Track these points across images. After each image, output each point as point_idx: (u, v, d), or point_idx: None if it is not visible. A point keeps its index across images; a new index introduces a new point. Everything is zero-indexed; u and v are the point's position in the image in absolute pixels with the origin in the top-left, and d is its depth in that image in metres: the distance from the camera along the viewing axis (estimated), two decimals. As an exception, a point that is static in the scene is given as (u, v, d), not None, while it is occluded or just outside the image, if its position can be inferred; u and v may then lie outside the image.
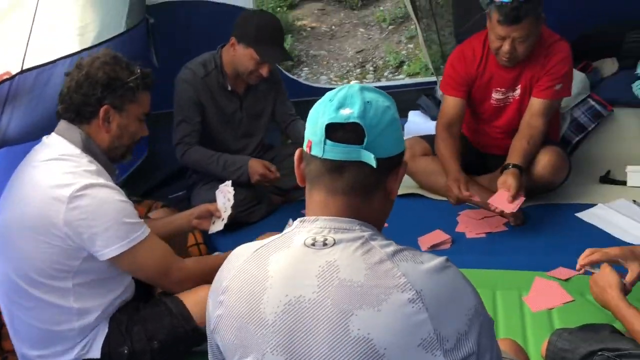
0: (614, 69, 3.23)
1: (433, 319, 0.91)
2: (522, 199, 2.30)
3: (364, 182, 1.02)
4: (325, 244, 0.98)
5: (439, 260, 0.98)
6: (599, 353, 1.45)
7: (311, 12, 6.94)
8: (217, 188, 2.69)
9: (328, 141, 1.00)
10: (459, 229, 2.52)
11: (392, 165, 1.05)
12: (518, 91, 2.58)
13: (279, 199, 2.95)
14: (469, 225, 2.52)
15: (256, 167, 2.65)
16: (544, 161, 2.51)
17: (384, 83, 4.76)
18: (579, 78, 3.02)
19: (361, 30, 6.24)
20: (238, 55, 2.63)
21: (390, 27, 6.07)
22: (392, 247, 0.98)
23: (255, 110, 2.90)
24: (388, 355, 0.90)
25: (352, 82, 1.07)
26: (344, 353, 0.91)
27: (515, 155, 2.42)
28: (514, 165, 2.37)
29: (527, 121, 2.52)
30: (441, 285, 0.95)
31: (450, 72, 2.68)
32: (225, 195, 2.21)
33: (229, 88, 2.74)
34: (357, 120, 0.98)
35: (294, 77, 4.47)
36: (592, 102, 3.00)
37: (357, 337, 0.91)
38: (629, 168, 2.72)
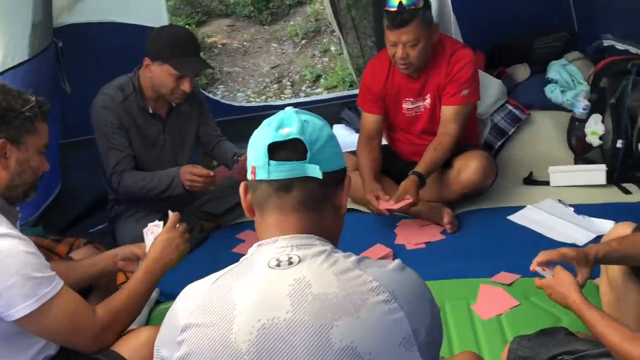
0: (527, 74, 3.39)
1: (408, 316, 0.95)
2: (408, 200, 2.38)
3: (312, 197, 1.04)
4: (290, 263, 0.98)
5: (396, 262, 1.03)
6: (559, 357, 1.47)
7: (220, 28, 6.82)
8: (143, 220, 2.54)
9: (272, 162, 1.02)
10: (398, 241, 2.51)
11: (337, 179, 1.08)
12: (428, 100, 2.65)
13: (210, 224, 2.82)
14: (408, 237, 2.52)
15: (184, 172, 2.51)
16: (474, 166, 2.57)
17: (303, 99, 4.72)
18: (496, 84, 3.14)
19: (274, 45, 6.20)
20: (155, 75, 2.49)
21: (303, 41, 6.07)
22: (354, 257, 1.01)
23: (180, 132, 2.76)
24: None
25: (287, 109, 1.09)
26: None
27: (420, 164, 2.52)
28: (414, 173, 2.47)
29: (440, 129, 2.61)
30: (408, 284, 1.00)
31: (364, 89, 2.76)
32: (154, 234, 2.04)
33: (150, 111, 2.60)
34: (297, 136, 1.01)
35: (211, 96, 4.34)
36: (510, 107, 3.11)
37: (340, 347, 0.91)
38: (551, 169, 2.84)
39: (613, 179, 2.77)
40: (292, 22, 6.51)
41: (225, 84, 5.56)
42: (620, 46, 2.93)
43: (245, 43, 6.35)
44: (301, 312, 0.93)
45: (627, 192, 2.72)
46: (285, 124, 1.03)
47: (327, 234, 1.06)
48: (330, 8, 3.30)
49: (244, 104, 4.67)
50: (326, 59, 5.68)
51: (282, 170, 1.02)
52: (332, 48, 5.79)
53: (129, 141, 2.55)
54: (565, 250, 1.60)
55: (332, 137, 1.08)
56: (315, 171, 1.01)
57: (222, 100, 4.41)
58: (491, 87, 3.10)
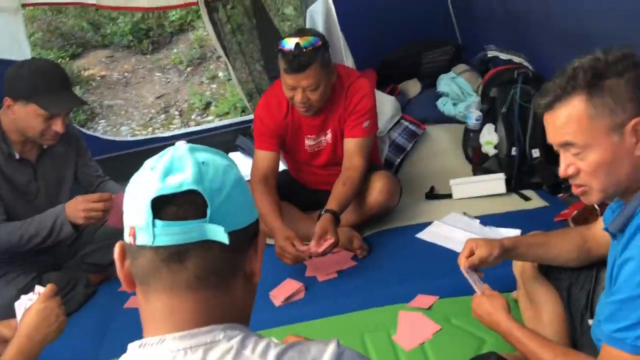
0: (418, 90, 3.40)
1: None
2: (330, 240, 2.19)
3: (215, 268, 0.79)
4: None
5: (331, 349, 0.77)
6: (494, 386, 1.38)
7: (98, 60, 6.44)
8: (14, 281, 2.21)
9: (158, 222, 0.76)
10: (308, 273, 2.35)
11: (248, 238, 0.83)
12: (329, 135, 2.54)
13: (97, 277, 2.52)
14: (318, 267, 2.38)
15: (73, 204, 2.18)
16: (379, 187, 2.49)
17: (193, 128, 4.49)
18: (390, 102, 3.11)
19: (158, 74, 5.92)
20: (20, 117, 2.17)
21: (189, 69, 5.86)
22: (272, 351, 0.76)
23: (54, 176, 2.45)
24: None
25: (178, 145, 0.83)
26: None
27: (331, 200, 2.34)
28: (327, 211, 2.29)
29: (345, 163, 2.48)
30: None
31: (258, 127, 2.55)
32: (27, 307, 1.73)
33: (17, 157, 2.27)
34: (193, 187, 0.76)
35: (91, 133, 4.00)
36: (406, 123, 3.09)
37: None
38: (452, 182, 2.82)
39: (512, 186, 2.81)
40: (175, 50, 6.28)
41: (107, 119, 5.20)
42: (503, 56, 3.00)
43: (126, 74, 6.02)
44: None
45: (526, 198, 2.75)
46: (175, 169, 0.78)
47: (236, 313, 0.82)
48: (214, 34, 3.12)
49: (128, 138, 4.36)
50: (215, 86, 5.50)
51: (172, 234, 0.76)
52: (220, 74, 5.63)
53: None
54: (478, 250, 1.62)
55: (240, 181, 0.83)
56: (218, 234, 0.77)
57: (104, 136, 4.08)
58: (385, 105, 3.06)
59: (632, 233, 1.22)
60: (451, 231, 2.50)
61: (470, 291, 1.60)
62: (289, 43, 2.23)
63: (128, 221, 0.80)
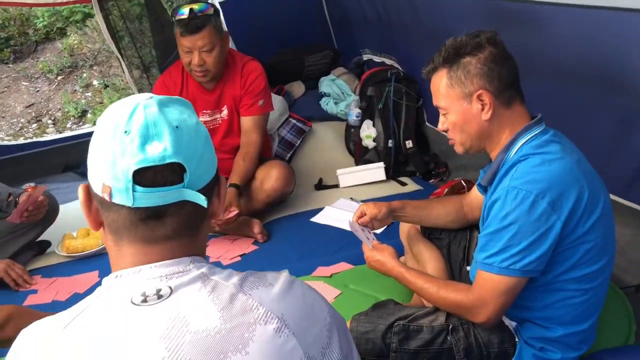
0: (302, 90, 3.63)
1: (301, 342, 0.81)
2: (234, 211, 2.40)
3: (189, 221, 0.85)
4: (160, 296, 0.79)
5: (284, 277, 0.87)
6: (396, 324, 1.60)
7: (-48, 70, 5.96)
8: None
9: (138, 187, 0.79)
10: (212, 259, 2.46)
11: (212, 187, 0.88)
12: (225, 112, 2.69)
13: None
14: (221, 254, 2.49)
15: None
16: (275, 175, 2.66)
17: (70, 133, 4.36)
18: (278, 101, 3.30)
19: (25, 83, 5.63)
20: None
21: (60, 77, 5.63)
22: (235, 277, 0.84)
23: None
24: None
25: (143, 99, 0.82)
26: None
27: (233, 175, 2.55)
28: (230, 185, 2.50)
29: (243, 139, 2.67)
30: (297, 304, 0.85)
31: None
32: None
33: None
34: (174, 160, 0.80)
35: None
36: (294, 121, 3.30)
37: None
38: (339, 171, 3.08)
39: (390, 174, 3.12)
40: (42, 59, 5.99)
41: (-30, 129, 4.86)
42: (377, 59, 3.33)
43: (-13, 83, 5.64)
44: (179, 355, 0.75)
45: (403, 184, 3.08)
46: (152, 135, 0.80)
47: (199, 251, 0.88)
48: (106, 29, 3.12)
49: (10, 142, 4.14)
50: (89, 94, 5.35)
51: (152, 198, 0.80)
52: (95, 82, 5.48)
53: None
54: (369, 211, 1.87)
55: (208, 139, 0.87)
56: (196, 197, 0.82)
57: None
58: (274, 104, 3.25)
59: (497, 181, 1.52)
60: (341, 214, 2.74)
61: (362, 261, 1.83)
62: (184, 9, 2.43)
63: (100, 178, 0.81)
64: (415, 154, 3.18)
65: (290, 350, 0.79)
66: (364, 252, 1.81)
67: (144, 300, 0.79)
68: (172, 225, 0.83)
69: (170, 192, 0.80)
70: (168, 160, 0.79)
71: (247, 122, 2.66)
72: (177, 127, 0.81)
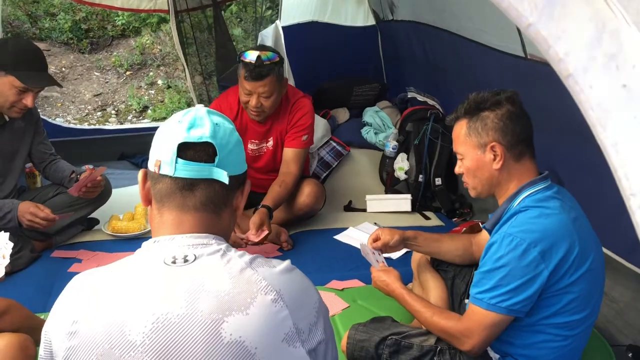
0: (347, 117, 3.86)
1: (292, 314, 0.99)
2: (265, 232, 2.57)
3: (214, 198, 1.07)
4: (186, 260, 1.01)
5: (285, 263, 1.08)
6: (389, 337, 1.77)
7: (34, 52, 6.45)
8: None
9: (180, 160, 1.03)
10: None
11: (239, 183, 1.12)
12: (271, 143, 2.92)
13: (41, 244, 2.71)
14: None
15: (26, 207, 2.42)
16: (307, 191, 2.88)
17: (130, 125, 4.71)
18: (322, 123, 3.54)
19: (96, 74, 6.06)
20: None
21: (128, 72, 6.04)
22: (247, 256, 1.04)
23: (11, 148, 2.65)
24: (259, 354, 0.97)
25: (198, 107, 1.11)
26: (219, 358, 0.95)
27: (267, 198, 2.74)
28: (263, 206, 2.69)
29: (282, 169, 2.88)
30: (294, 284, 1.04)
31: None
32: None
33: (-17, 123, 2.47)
34: (209, 140, 1.04)
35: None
36: (334, 144, 3.53)
37: (230, 341, 0.95)
38: (368, 197, 3.27)
39: (416, 207, 3.30)
40: (115, 53, 6.43)
41: (42, 109, 5.28)
42: (420, 98, 3.52)
43: (63, 69, 6.10)
44: (195, 307, 0.95)
45: (427, 217, 3.25)
46: (197, 124, 1.05)
47: (222, 233, 1.09)
48: (178, 40, 3.44)
49: (76, 126, 4.50)
50: (153, 92, 5.73)
51: (189, 170, 1.04)
52: (160, 82, 5.86)
53: None
54: (383, 236, 2.05)
55: (240, 143, 1.12)
56: (222, 175, 1.05)
57: (56, 121, 4.22)
58: (318, 126, 3.48)
59: (499, 226, 1.68)
60: (363, 236, 2.92)
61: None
62: (251, 55, 2.62)
63: (155, 155, 1.07)
64: (443, 191, 3.34)
65: (283, 319, 0.98)
66: (372, 272, 2.00)
67: (174, 262, 1.01)
68: (201, 198, 1.06)
69: (203, 168, 1.04)
70: (204, 140, 1.04)
71: (289, 153, 2.87)
72: (216, 124, 1.07)
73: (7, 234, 1.89)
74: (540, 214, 1.59)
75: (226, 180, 1.05)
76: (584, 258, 1.59)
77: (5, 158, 2.63)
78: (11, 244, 1.90)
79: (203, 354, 0.95)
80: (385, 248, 2.07)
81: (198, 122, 1.06)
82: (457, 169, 1.77)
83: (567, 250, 1.55)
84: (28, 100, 2.43)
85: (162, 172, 1.05)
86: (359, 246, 2.81)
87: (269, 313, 0.98)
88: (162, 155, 1.06)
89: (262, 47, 2.74)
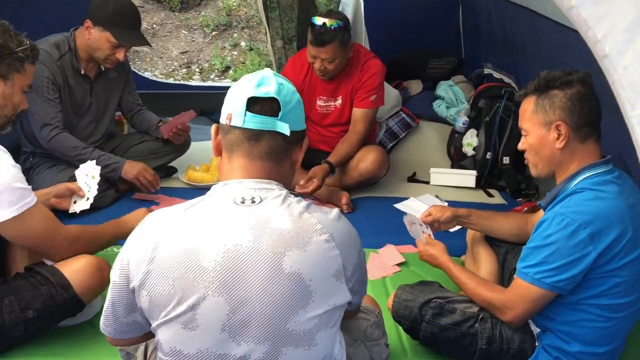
0: (420, 89, 3.88)
1: (342, 254, 1.15)
2: (315, 184, 2.68)
3: (277, 149, 1.20)
4: (253, 201, 1.15)
5: (335, 211, 1.23)
6: (433, 300, 1.86)
7: (129, 7, 6.79)
8: (64, 171, 2.63)
9: (248, 113, 1.17)
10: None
11: (298, 138, 1.25)
12: (339, 101, 3.01)
13: (125, 186, 2.95)
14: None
15: (135, 167, 2.70)
16: (371, 158, 2.97)
17: (212, 84, 4.93)
18: (393, 94, 3.58)
19: (184, 32, 6.32)
20: (94, 39, 2.62)
21: (214, 32, 6.26)
22: (304, 202, 1.19)
23: (105, 96, 2.89)
24: (313, 285, 1.13)
25: (265, 70, 1.25)
26: (279, 286, 1.11)
27: (332, 155, 2.88)
28: (325, 161, 2.82)
29: (350, 127, 2.97)
30: (344, 229, 1.20)
31: None
32: (88, 174, 2.21)
33: (82, 72, 2.71)
34: (274, 96, 1.17)
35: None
36: (403, 115, 3.57)
37: (289, 273, 1.10)
38: (432, 170, 3.31)
39: (480, 184, 3.31)
40: (203, 13, 6.66)
41: (133, 62, 5.59)
42: (496, 75, 3.48)
43: (154, 26, 6.40)
44: (260, 241, 1.10)
45: (490, 195, 3.26)
46: (264, 83, 1.18)
47: (284, 181, 1.23)
48: (262, 2, 3.55)
49: (163, 80, 4.77)
50: (236, 53, 5.92)
51: (256, 122, 1.17)
52: (243, 43, 6.04)
53: (59, 98, 2.64)
54: (434, 212, 2.14)
55: (300, 102, 1.24)
56: (284, 128, 1.17)
57: (144, 74, 4.49)
58: (390, 96, 3.53)
59: (553, 205, 1.71)
60: (423, 207, 2.98)
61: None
62: (318, 21, 2.73)
63: (227, 109, 1.21)
64: (510, 170, 3.32)
65: (334, 257, 1.14)
66: (417, 246, 2.09)
67: (242, 202, 1.15)
68: (265, 148, 1.19)
69: (268, 120, 1.17)
70: (270, 95, 1.17)
71: (357, 113, 2.96)
72: (281, 83, 1.21)
73: (94, 161, 2.13)
74: (595, 197, 1.61)
75: (287, 133, 1.18)
76: (636, 244, 1.60)
77: (101, 104, 2.88)
78: (98, 168, 2.15)
79: (266, 282, 1.10)
80: (438, 224, 2.14)
81: (265, 81, 1.19)
82: (520, 145, 1.80)
83: (618, 235, 1.57)
84: (120, 55, 2.65)
85: (232, 123, 1.19)
86: (417, 215, 2.89)
87: (323, 250, 1.12)
88: (234, 108, 1.19)
89: (330, 13, 2.81)
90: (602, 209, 1.59)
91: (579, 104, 1.65)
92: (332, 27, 2.70)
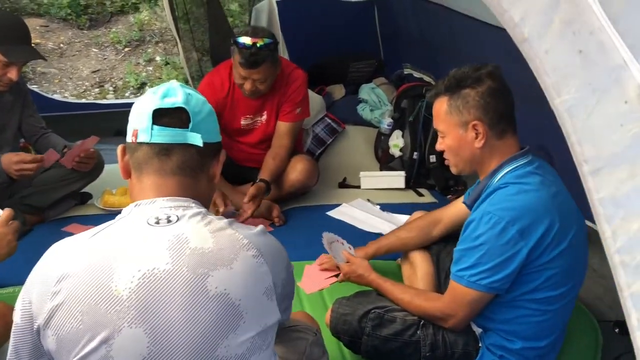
0: (342, 93, 3.83)
1: (271, 270, 1.07)
2: (247, 214, 2.61)
3: (191, 163, 1.12)
4: (169, 221, 1.05)
5: (259, 227, 1.14)
6: (372, 311, 1.79)
7: (33, 28, 6.39)
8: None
9: (155, 126, 1.08)
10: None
11: (214, 151, 1.17)
12: (265, 116, 2.90)
13: (34, 218, 2.73)
14: (239, 228, 2.73)
15: (9, 158, 2.44)
16: (300, 167, 2.88)
17: (127, 100, 4.70)
18: (317, 100, 3.52)
19: (94, 50, 6.02)
20: None
21: (127, 49, 6.00)
22: (225, 220, 1.10)
23: (1, 122, 2.65)
24: (243, 305, 1.03)
25: (172, 82, 1.16)
26: (204, 311, 1.00)
27: (263, 172, 2.76)
28: (261, 180, 2.71)
29: (276, 142, 2.86)
30: (271, 244, 1.13)
31: None
32: None
33: (-31, 97, 2.47)
34: (182, 106, 1.09)
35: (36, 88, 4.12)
36: (329, 120, 3.51)
37: (215, 294, 1.00)
38: (362, 174, 3.27)
39: (410, 184, 3.29)
40: (113, 29, 6.39)
41: (39, 84, 5.27)
42: (416, 74, 3.49)
43: (61, 45, 6.07)
44: (179, 263, 1.00)
45: (420, 194, 3.25)
46: (170, 94, 1.11)
47: (201, 198, 1.14)
48: (171, 16, 3.40)
49: (70, 100, 4.50)
50: (151, 68, 5.69)
51: (164, 135, 1.09)
52: (158, 58, 5.82)
53: None
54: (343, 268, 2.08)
55: (213, 113, 1.17)
56: (196, 139, 1.09)
57: (48, 95, 4.21)
58: (313, 102, 3.45)
59: (478, 203, 1.68)
60: (356, 212, 2.94)
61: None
62: (246, 41, 2.53)
63: (132, 126, 1.12)
64: (438, 169, 3.32)
65: (264, 273, 1.06)
66: (342, 268, 2.03)
67: (157, 222, 1.05)
68: (177, 162, 1.10)
69: (178, 132, 1.09)
70: (178, 105, 1.09)
71: (282, 126, 2.85)
72: (189, 93, 1.13)
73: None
74: (519, 191, 1.59)
75: (200, 143, 1.10)
76: (564, 234, 1.59)
77: (-5, 131, 2.64)
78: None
79: (189, 307, 0.99)
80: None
81: (171, 92, 1.11)
82: (438, 146, 1.76)
83: (546, 228, 1.56)
84: (13, 74, 2.43)
85: (139, 140, 1.10)
86: (351, 222, 2.83)
87: (251, 266, 1.04)
88: (139, 124, 1.10)
89: (256, 31, 2.65)
90: (527, 202, 1.57)
91: (492, 100, 1.62)
92: (263, 47, 2.54)
